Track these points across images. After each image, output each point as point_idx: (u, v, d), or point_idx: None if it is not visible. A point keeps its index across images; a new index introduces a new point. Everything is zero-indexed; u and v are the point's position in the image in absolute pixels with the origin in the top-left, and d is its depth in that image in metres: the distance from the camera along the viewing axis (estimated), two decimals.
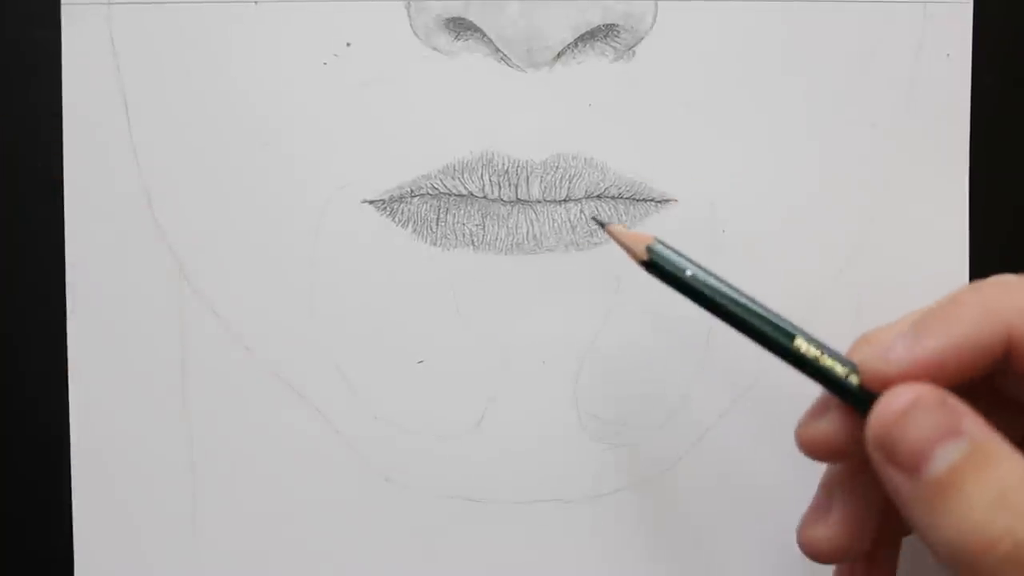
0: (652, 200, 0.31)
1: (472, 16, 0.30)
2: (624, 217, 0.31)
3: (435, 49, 0.31)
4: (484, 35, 0.30)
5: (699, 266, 0.25)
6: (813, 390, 0.32)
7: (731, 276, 0.31)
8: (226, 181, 0.31)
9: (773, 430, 0.31)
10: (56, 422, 0.31)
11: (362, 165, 0.31)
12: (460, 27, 0.30)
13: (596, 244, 0.31)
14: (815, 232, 0.31)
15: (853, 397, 0.23)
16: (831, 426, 0.24)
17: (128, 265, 0.31)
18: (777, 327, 0.24)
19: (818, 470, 0.31)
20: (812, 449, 0.25)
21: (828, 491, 0.26)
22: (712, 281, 0.24)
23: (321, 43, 0.31)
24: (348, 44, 0.31)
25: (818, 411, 0.25)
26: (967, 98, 0.31)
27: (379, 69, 0.31)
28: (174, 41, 0.31)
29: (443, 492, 0.31)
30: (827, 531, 0.25)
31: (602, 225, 0.26)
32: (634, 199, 0.31)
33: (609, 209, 0.31)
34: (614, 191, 0.31)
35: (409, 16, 0.30)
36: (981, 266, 0.31)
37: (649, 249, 0.25)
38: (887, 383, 0.22)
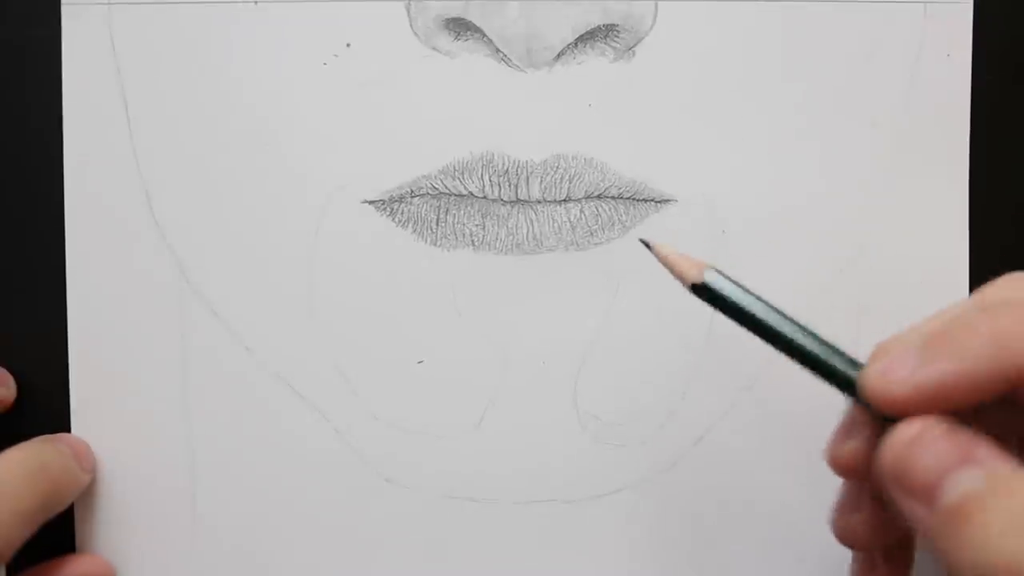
0: (652, 200, 0.31)
1: (472, 16, 0.30)
2: (624, 217, 0.31)
3: (435, 49, 0.31)
4: (484, 35, 0.30)
5: (747, 298, 0.24)
6: (813, 390, 0.32)
7: (731, 276, 0.31)
8: (226, 181, 0.31)
9: (773, 430, 0.31)
10: (56, 422, 0.31)
11: (362, 165, 0.31)
12: (460, 27, 0.30)
13: (596, 244, 0.31)
14: (815, 232, 0.31)
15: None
16: (860, 445, 0.24)
17: (128, 265, 0.31)
18: (836, 360, 0.24)
19: (816, 471, 0.31)
20: (844, 470, 0.25)
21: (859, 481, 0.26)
22: (760, 313, 0.24)
23: (321, 43, 0.31)
24: (348, 44, 0.31)
25: (845, 431, 0.25)
26: (967, 98, 0.31)
27: (379, 69, 0.31)
28: (174, 41, 0.31)
29: (443, 492, 0.31)
30: (862, 518, 0.26)
31: (648, 246, 0.26)
32: (634, 199, 0.31)
33: (609, 209, 0.31)
34: (614, 191, 0.31)
35: (409, 16, 0.30)
36: (981, 266, 0.31)
37: (705, 279, 0.25)
38: (890, 405, 0.22)
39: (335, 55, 0.31)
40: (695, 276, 0.25)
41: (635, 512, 0.31)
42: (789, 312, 0.24)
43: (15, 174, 0.32)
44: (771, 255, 0.31)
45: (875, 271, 0.31)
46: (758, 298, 0.24)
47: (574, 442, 0.31)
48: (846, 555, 0.32)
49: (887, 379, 0.23)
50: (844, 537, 0.26)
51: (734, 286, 0.24)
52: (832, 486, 0.31)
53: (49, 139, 0.31)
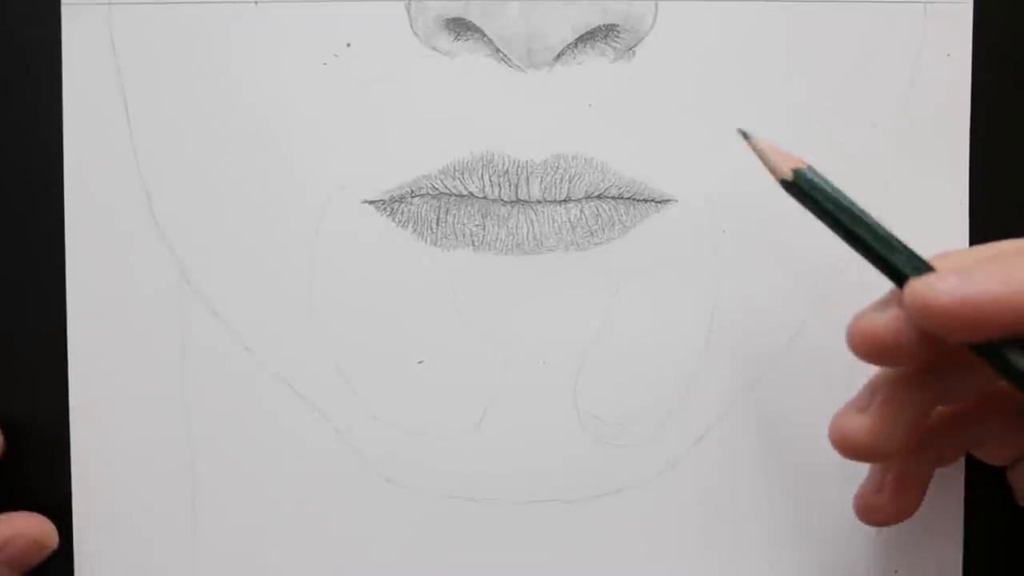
0: (652, 200, 0.31)
1: (472, 16, 0.30)
2: (624, 217, 0.31)
3: (435, 49, 0.31)
4: (484, 35, 0.30)
5: (838, 203, 0.26)
6: (812, 391, 0.32)
7: (731, 276, 0.31)
8: (226, 181, 0.31)
9: (774, 430, 0.31)
10: (56, 422, 0.31)
11: (362, 165, 0.31)
12: (460, 27, 0.30)
13: (596, 244, 0.31)
14: (815, 232, 0.31)
15: None
16: (893, 321, 0.24)
17: (128, 265, 0.31)
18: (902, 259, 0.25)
19: (817, 471, 0.32)
20: (864, 341, 0.24)
21: (872, 389, 0.26)
22: (845, 218, 0.26)
23: (321, 43, 0.31)
24: (348, 44, 0.31)
25: (881, 305, 0.25)
26: (967, 98, 0.31)
27: (379, 69, 0.31)
28: (174, 41, 0.31)
29: (443, 492, 0.31)
30: (861, 422, 0.25)
31: (746, 137, 0.27)
32: (634, 199, 0.31)
33: (609, 209, 0.31)
34: (614, 191, 0.31)
35: (409, 16, 0.30)
36: None
37: (796, 172, 0.26)
38: (933, 316, 0.22)
39: (335, 55, 0.31)
40: (784, 172, 0.26)
41: (635, 512, 0.31)
42: (872, 216, 0.25)
43: (15, 174, 0.32)
44: (771, 255, 0.31)
45: (875, 271, 0.31)
46: (845, 201, 0.25)
47: (574, 442, 0.31)
48: (845, 555, 0.32)
49: (932, 288, 0.22)
50: (842, 437, 0.26)
51: (825, 186, 0.26)
52: (831, 486, 0.31)
53: (49, 139, 0.31)
